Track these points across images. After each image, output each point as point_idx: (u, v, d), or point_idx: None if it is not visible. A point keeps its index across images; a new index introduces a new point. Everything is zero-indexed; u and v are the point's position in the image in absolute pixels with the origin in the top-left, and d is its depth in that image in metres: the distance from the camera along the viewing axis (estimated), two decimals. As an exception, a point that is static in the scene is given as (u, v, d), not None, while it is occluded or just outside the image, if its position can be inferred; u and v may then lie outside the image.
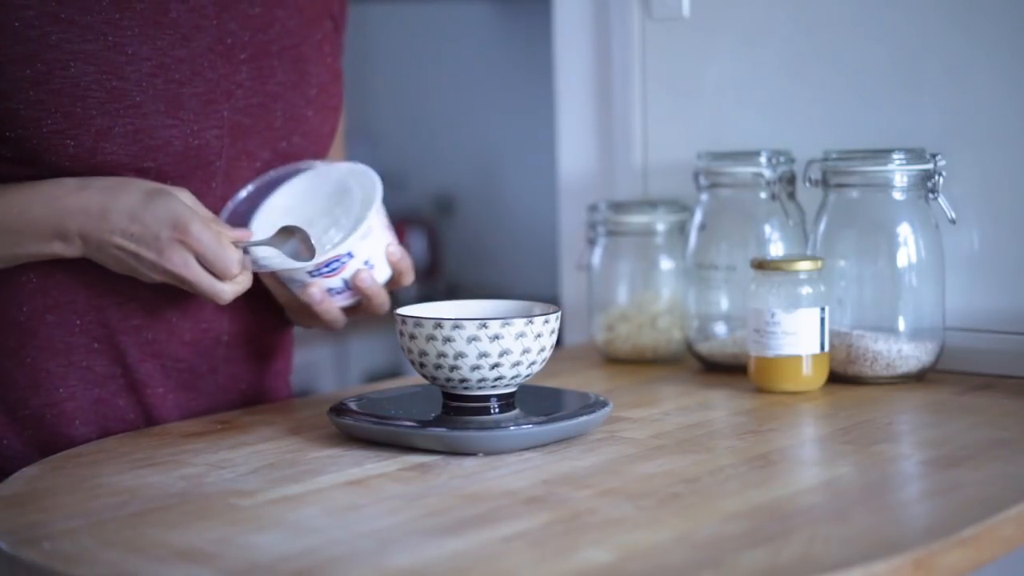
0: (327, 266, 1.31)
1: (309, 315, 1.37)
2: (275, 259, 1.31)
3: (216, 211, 1.35)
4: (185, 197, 1.27)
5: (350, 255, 1.31)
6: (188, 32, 1.31)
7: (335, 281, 1.32)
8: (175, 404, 1.36)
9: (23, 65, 1.24)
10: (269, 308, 1.43)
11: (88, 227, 1.25)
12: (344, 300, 1.34)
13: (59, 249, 1.26)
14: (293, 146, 1.40)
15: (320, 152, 1.44)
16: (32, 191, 1.26)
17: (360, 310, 1.38)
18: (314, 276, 1.31)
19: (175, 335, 1.35)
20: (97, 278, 1.30)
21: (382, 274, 1.35)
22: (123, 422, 1.34)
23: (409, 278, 1.39)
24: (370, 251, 1.33)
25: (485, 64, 3.92)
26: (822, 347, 1.41)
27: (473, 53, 3.94)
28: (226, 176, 1.35)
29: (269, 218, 1.35)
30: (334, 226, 1.35)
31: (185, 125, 1.30)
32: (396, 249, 1.36)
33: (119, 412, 1.34)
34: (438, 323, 1.19)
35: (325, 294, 1.32)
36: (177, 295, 1.34)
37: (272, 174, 1.38)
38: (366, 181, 1.37)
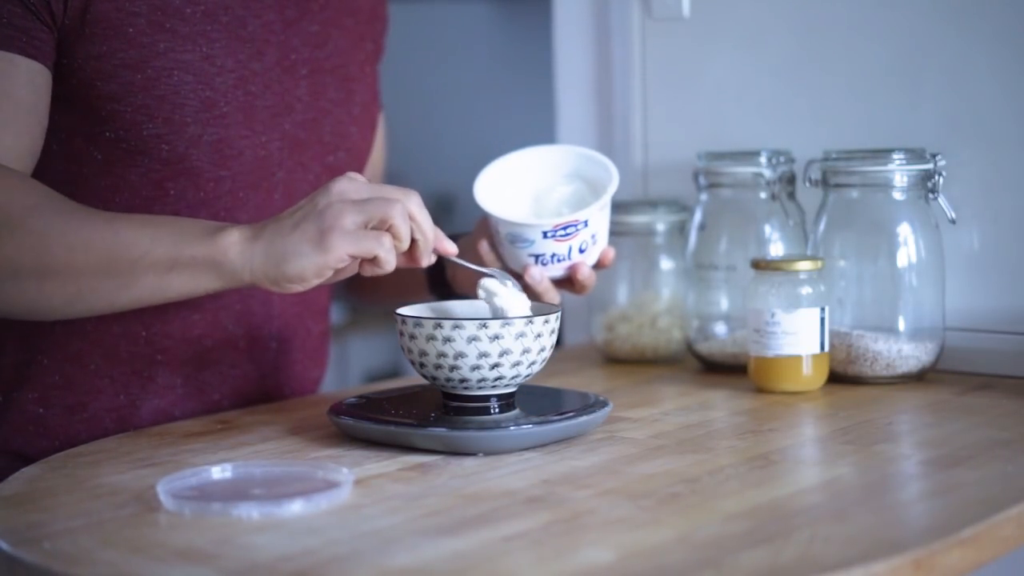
0: (563, 228, 1.32)
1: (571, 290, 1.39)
2: (510, 218, 1.33)
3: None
4: None
5: (586, 224, 1.32)
6: (261, 46, 1.34)
7: (562, 247, 1.33)
8: (233, 409, 1.40)
9: (134, 70, 1.27)
10: (315, 315, 1.48)
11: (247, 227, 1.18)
12: (559, 270, 1.35)
13: (212, 253, 1.16)
14: (339, 160, 1.44)
15: (360, 167, 1.48)
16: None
17: (564, 287, 1.39)
18: (547, 237, 1.32)
19: (232, 343, 1.39)
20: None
21: (593, 256, 1.36)
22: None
23: (610, 262, 1.41)
24: (599, 227, 1.35)
25: (485, 64, 3.92)
26: (822, 347, 1.41)
27: (473, 53, 3.95)
28: (285, 187, 1.39)
29: (492, 179, 1.39)
30: (563, 203, 1.38)
31: (255, 136, 1.34)
32: (609, 254, 1.39)
33: (178, 418, 1.37)
34: (438, 323, 1.19)
35: (544, 276, 1.34)
36: (233, 303, 1.37)
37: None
38: (600, 168, 1.39)
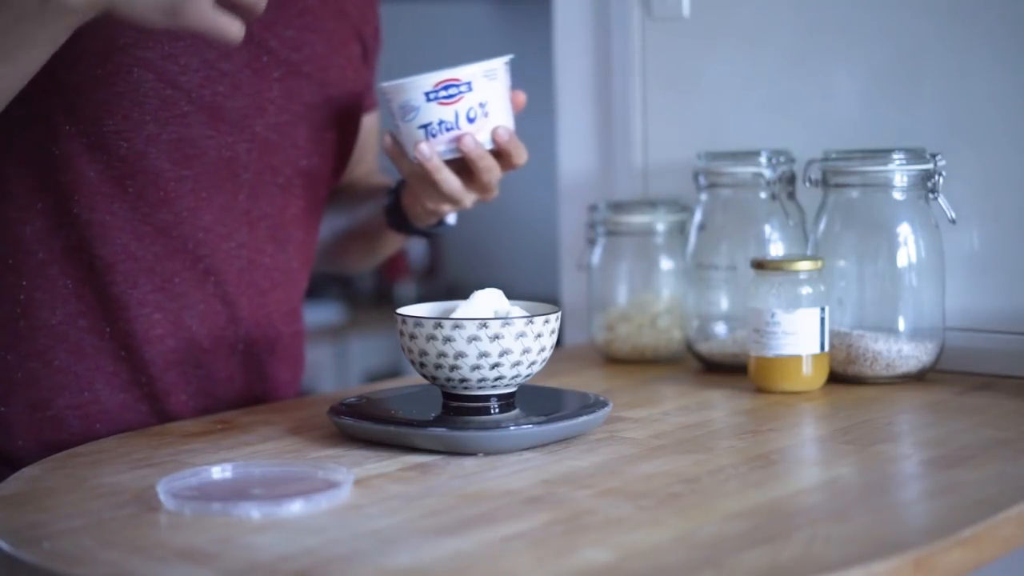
0: (445, 88, 1.30)
1: (428, 185, 1.35)
2: (394, 81, 1.32)
3: (240, 226, 1.38)
4: None
5: (469, 87, 1.30)
6: (230, 48, 1.33)
7: (448, 112, 1.30)
8: (194, 412, 1.38)
9: (95, 63, 1.27)
10: (284, 316, 1.46)
11: None
12: (447, 143, 1.31)
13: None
14: (313, 165, 1.44)
15: (338, 171, 1.48)
16: None
17: (472, 181, 1.36)
18: (430, 100, 1.30)
19: (195, 344, 1.37)
20: (128, 287, 1.32)
21: (484, 130, 1.31)
22: (144, 427, 1.34)
23: (520, 158, 1.35)
24: (488, 96, 1.31)
25: (485, 64, 3.92)
26: (822, 347, 1.41)
27: (473, 53, 3.94)
28: (251, 189, 1.38)
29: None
30: None
31: (221, 137, 1.34)
32: (505, 132, 1.33)
33: (142, 417, 1.36)
34: (438, 323, 1.19)
35: (435, 152, 1.31)
36: (196, 302, 1.36)
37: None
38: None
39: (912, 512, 1.05)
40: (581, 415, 1.22)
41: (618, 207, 1.67)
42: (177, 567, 0.91)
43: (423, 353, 1.20)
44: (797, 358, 1.40)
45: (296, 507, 1.00)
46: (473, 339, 1.18)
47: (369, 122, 1.59)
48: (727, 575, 0.87)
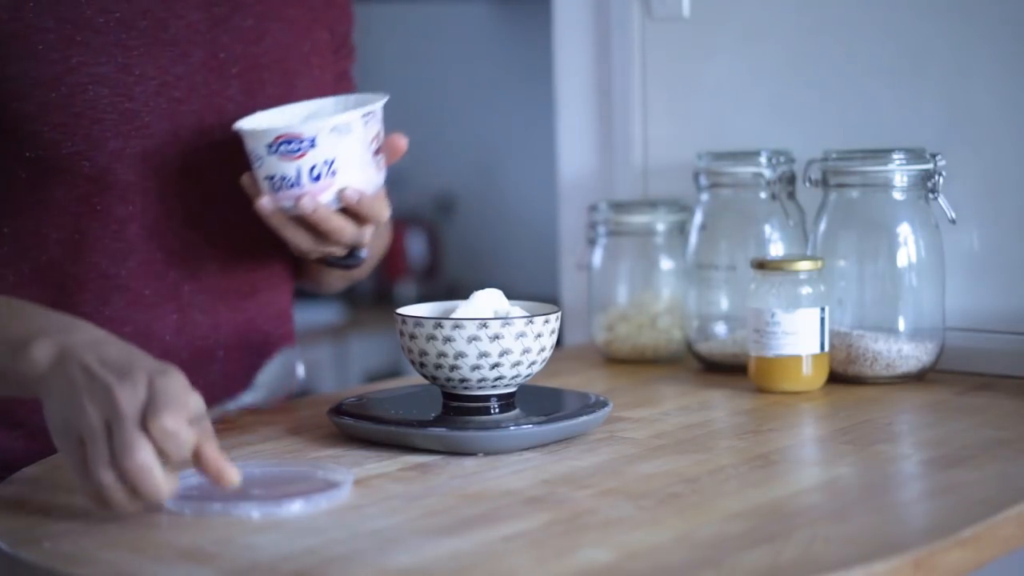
0: (285, 143, 1.18)
1: (318, 240, 1.25)
2: (240, 124, 1.23)
3: (213, 231, 1.34)
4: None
5: (312, 143, 1.18)
6: (186, 48, 1.31)
7: (290, 168, 1.19)
8: None
9: (48, 88, 1.25)
10: (271, 319, 1.43)
11: (69, 337, 1.07)
12: (291, 199, 1.20)
13: (29, 354, 1.06)
14: None
15: None
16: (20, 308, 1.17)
17: (321, 242, 1.26)
18: (272, 152, 1.20)
19: (172, 355, 1.33)
20: (99, 304, 1.30)
21: (330, 190, 1.20)
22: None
23: (380, 216, 1.24)
24: (337, 152, 1.19)
25: (485, 64, 3.92)
26: (822, 347, 1.41)
27: (473, 53, 3.95)
28: (221, 193, 1.34)
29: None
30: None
31: (181, 143, 1.31)
32: (354, 193, 1.22)
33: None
34: (438, 323, 1.19)
35: (277, 206, 1.21)
36: (169, 312, 1.33)
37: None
38: (370, 97, 1.27)
39: (912, 512, 1.05)
40: (581, 415, 1.22)
41: (618, 207, 1.67)
42: (177, 567, 0.91)
43: (423, 353, 1.20)
44: (797, 358, 1.40)
45: (296, 507, 1.00)
46: (473, 339, 1.18)
47: None
48: (727, 575, 0.87)
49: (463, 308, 1.24)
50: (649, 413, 1.34)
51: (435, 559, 0.91)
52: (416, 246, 3.89)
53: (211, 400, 1.38)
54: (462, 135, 3.99)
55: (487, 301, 1.24)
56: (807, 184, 1.51)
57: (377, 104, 1.23)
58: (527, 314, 1.22)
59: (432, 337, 1.19)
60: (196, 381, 1.35)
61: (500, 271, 3.86)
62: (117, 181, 1.29)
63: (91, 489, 0.98)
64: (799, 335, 1.40)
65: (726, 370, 1.54)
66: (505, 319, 1.19)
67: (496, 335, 1.18)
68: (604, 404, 1.25)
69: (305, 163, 1.19)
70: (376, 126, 1.24)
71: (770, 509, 1.01)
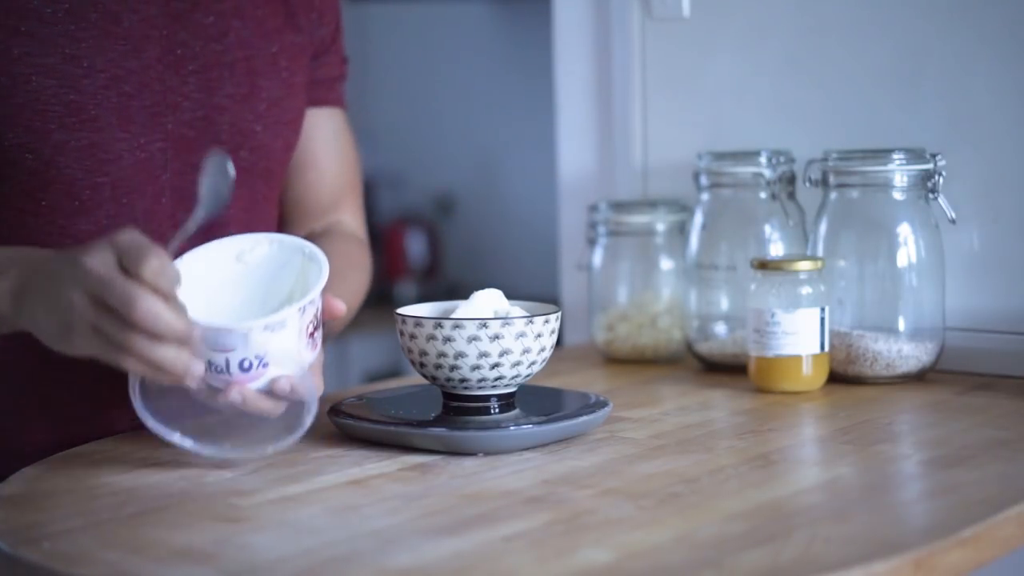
0: (215, 338, 1.11)
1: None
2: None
3: (167, 230, 1.31)
4: None
5: (244, 340, 1.11)
6: (139, 43, 1.29)
7: (218, 357, 1.12)
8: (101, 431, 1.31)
9: None
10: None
11: (21, 261, 1.13)
12: (221, 383, 1.14)
13: None
14: (241, 160, 1.35)
15: (272, 167, 1.39)
16: None
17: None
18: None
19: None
20: None
21: (264, 378, 1.14)
22: (53, 450, 1.27)
23: (313, 397, 1.16)
24: (268, 347, 1.13)
25: (485, 64, 3.92)
26: (822, 347, 1.41)
27: (473, 53, 3.95)
28: (174, 190, 1.32)
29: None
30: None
31: (132, 138, 1.29)
32: (285, 383, 1.14)
33: (50, 439, 1.29)
34: (438, 323, 1.19)
35: (203, 386, 1.14)
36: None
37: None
38: (310, 266, 1.19)
39: (912, 512, 1.05)
40: (581, 415, 1.22)
41: (618, 207, 1.67)
42: (177, 567, 0.91)
43: (423, 353, 1.20)
44: (797, 358, 1.40)
45: (231, 453, 1.03)
46: (473, 339, 1.18)
47: (321, 119, 1.48)
48: (727, 575, 0.87)
49: (463, 308, 1.24)
50: (649, 413, 1.34)
51: (435, 559, 0.91)
52: (416, 246, 3.89)
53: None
54: (462, 135, 3.98)
55: (487, 301, 1.24)
56: (807, 184, 1.51)
57: (315, 292, 1.15)
58: (527, 314, 1.22)
59: (432, 337, 1.19)
60: (118, 384, 1.31)
61: (500, 271, 3.86)
62: (62, 175, 1.26)
63: (139, 366, 1.03)
64: (799, 335, 1.40)
65: (726, 370, 1.54)
66: (505, 319, 1.19)
67: (496, 335, 1.18)
68: (604, 404, 1.25)
69: (235, 357, 1.12)
70: (313, 309, 1.16)
71: (770, 509, 1.01)
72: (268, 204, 1.43)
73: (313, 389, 1.16)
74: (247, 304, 1.16)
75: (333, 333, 1.40)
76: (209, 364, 1.12)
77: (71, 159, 1.26)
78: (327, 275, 1.16)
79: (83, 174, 1.27)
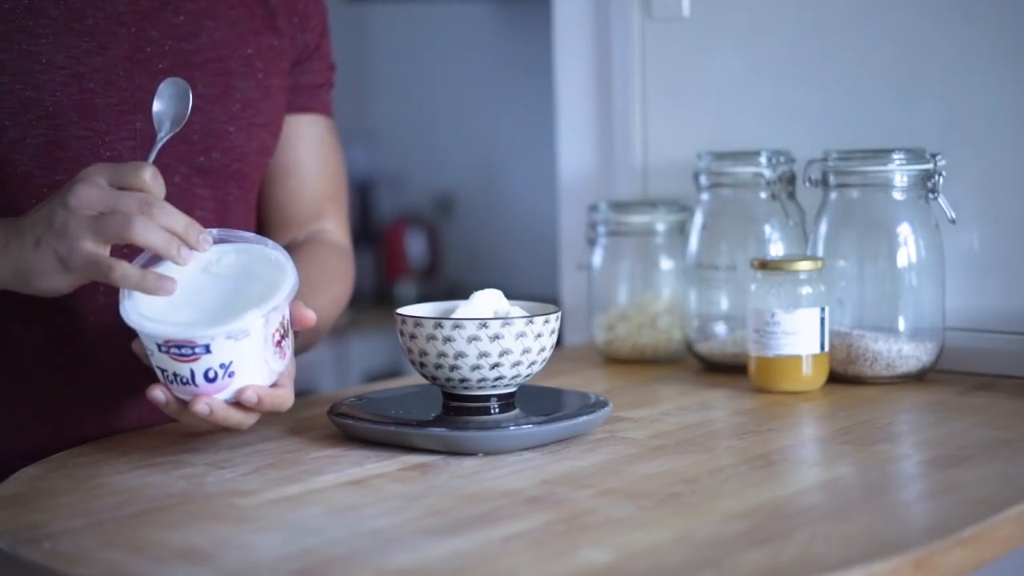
0: (176, 347, 1.10)
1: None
2: (126, 314, 1.12)
3: None
4: None
5: (207, 349, 1.10)
6: (104, 40, 1.27)
7: (182, 368, 1.11)
8: (101, 431, 1.31)
9: None
10: None
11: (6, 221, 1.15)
12: (187, 394, 1.12)
13: None
14: (213, 161, 1.34)
15: (245, 170, 1.37)
16: None
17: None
18: (162, 351, 1.11)
19: (89, 357, 1.30)
20: (36, 315, 1.28)
21: (231, 389, 1.12)
22: (49, 451, 1.27)
23: (283, 407, 1.16)
24: (234, 356, 1.11)
25: (485, 64, 3.92)
26: (822, 347, 1.41)
27: (473, 53, 3.95)
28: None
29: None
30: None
31: (96, 136, 1.27)
32: (252, 394, 1.13)
33: (46, 441, 1.29)
34: (438, 323, 1.19)
35: (171, 397, 1.13)
36: (87, 315, 1.29)
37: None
38: (277, 275, 1.16)
39: (912, 512, 1.05)
40: (581, 415, 1.22)
41: (618, 207, 1.67)
42: (177, 567, 0.91)
43: (423, 353, 1.20)
44: (797, 358, 1.40)
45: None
46: (473, 339, 1.18)
47: (303, 126, 1.47)
48: (727, 575, 0.87)
49: (463, 308, 1.24)
50: (649, 413, 1.34)
51: (435, 559, 0.91)
52: (416, 246, 3.90)
53: (133, 408, 1.33)
54: (462, 135, 3.99)
55: (487, 301, 1.24)
56: (807, 184, 1.51)
57: (277, 297, 1.13)
58: (527, 314, 1.22)
59: (432, 337, 1.19)
60: (120, 388, 1.31)
61: (500, 271, 3.87)
62: (19, 172, 1.25)
63: (149, 232, 1.10)
64: (799, 335, 1.40)
65: (726, 370, 1.54)
66: (505, 319, 1.19)
67: (496, 335, 1.18)
68: (604, 404, 1.25)
69: (199, 366, 1.11)
70: (279, 315, 1.14)
71: (770, 509, 1.01)
72: (242, 208, 1.40)
73: (281, 401, 1.15)
74: (212, 315, 1.12)
75: (307, 345, 1.38)
76: (174, 376, 1.11)
77: (27, 156, 1.25)
78: (293, 283, 1.14)
79: (41, 172, 1.26)
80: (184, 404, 1.13)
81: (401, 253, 3.89)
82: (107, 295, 1.29)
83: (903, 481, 1.13)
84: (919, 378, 1.47)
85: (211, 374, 1.11)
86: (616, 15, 1.79)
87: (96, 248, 1.10)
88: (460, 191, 4.00)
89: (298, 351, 1.28)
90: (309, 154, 1.48)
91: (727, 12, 1.70)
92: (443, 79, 4.01)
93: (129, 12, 1.29)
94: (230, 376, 1.12)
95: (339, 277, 1.46)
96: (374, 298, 3.90)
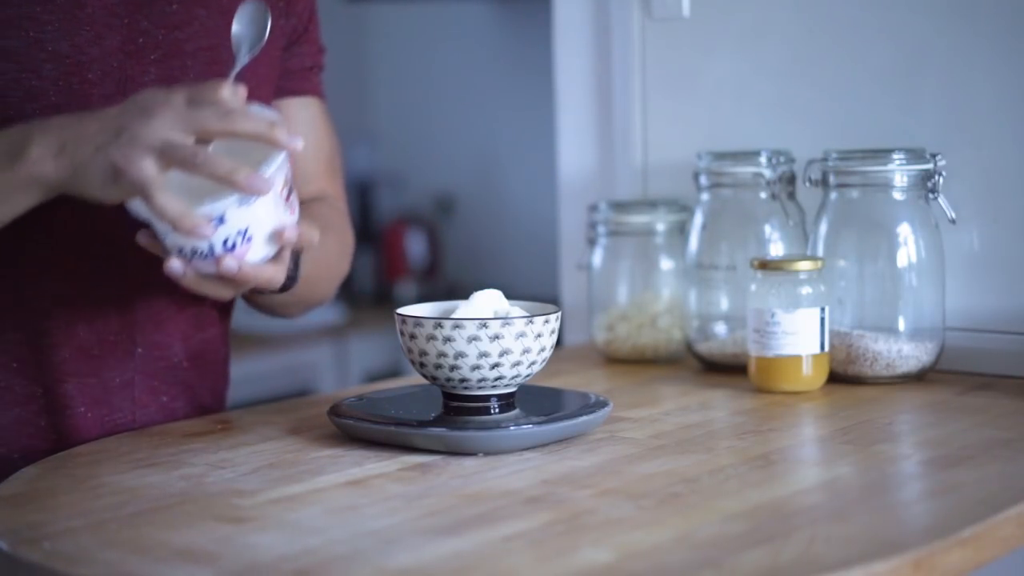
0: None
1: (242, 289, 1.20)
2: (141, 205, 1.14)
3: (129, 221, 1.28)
4: None
5: (222, 220, 1.12)
6: (101, 30, 1.26)
7: (202, 244, 1.13)
8: (96, 423, 1.31)
9: None
10: (192, 320, 1.38)
11: (50, 123, 1.15)
12: (209, 267, 1.14)
13: (33, 155, 1.14)
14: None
15: None
16: None
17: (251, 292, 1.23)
18: (177, 229, 1.12)
19: (85, 351, 1.30)
20: (23, 297, 1.27)
21: (258, 252, 1.15)
22: (44, 442, 1.28)
23: (313, 239, 1.19)
24: (250, 220, 1.14)
25: (485, 64, 3.92)
26: (822, 347, 1.41)
27: (473, 53, 3.94)
28: None
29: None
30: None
31: None
32: (291, 234, 1.16)
33: (40, 432, 1.29)
34: (438, 323, 1.19)
35: (189, 269, 1.14)
36: (85, 307, 1.29)
37: None
38: (268, 149, 1.17)
39: (912, 512, 1.05)
40: (581, 415, 1.22)
41: (618, 207, 1.67)
42: (177, 567, 0.91)
43: (423, 353, 1.20)
44: (797, 358, 1.40)
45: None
46: (473, 339, 1.18)
47: (295, 108, 1.45)
48: (727, 575, 0.87)
49: (463, 308, 1.24)
50: (649, 413, 1.34)
51: (435, 559, 0.91)
52: (416, 246, 3.89)
53: (128, 402, 1.33)
54: (462, 135, 3.98)
55: (487, 301, 1.24)
56: (807, 184, 1.51)
57: (279, 158, 1.16)
58: (527, 314, 1.22)
59: (432, 337, 1.19)
60: (112, 381, 1.30)
61: (500, 271, 3.86)
62: None
63: (225, 119, 1.11)
64: (799, 335, 1.40)
65: (726, 370, 1.54)
66: (505, 319, 1.19)
67: (496, 335, 1.18)
68: (604, 404, 1.25)
69: (217, 238, 1.13)
70: (282, 175, 1.17)
71: (770, 509, 1.01)
72: None
73: (305, 236, 1.18)
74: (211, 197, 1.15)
75: (316, 294, 1.42)
76: (193, 251, 1.13)
77: None
78: (293, 144, 1.15)
79: None
80: (202, 278, 1.15)
81: (401, 253, 3.88)
82: (101, 287, 1.29)
83: (903, 481, 1.13)
84: (919, 378, 1.47)
85: (230, 243, 1.14)
86: (616, 15, 1.79)
87: (152, 162, 1.10)
88: (460, 191, 3.99)
89: (309, 303, 1.42)
90: (303, 137, 1.47)
91: (727, 12, 1.70)
92: (443, 79, 4.00)
93: (123, 2, 1.28)
94: (248, 241, 1.15)
95: (342, 231, 1.47)
96: (374, 298, 3.90)
